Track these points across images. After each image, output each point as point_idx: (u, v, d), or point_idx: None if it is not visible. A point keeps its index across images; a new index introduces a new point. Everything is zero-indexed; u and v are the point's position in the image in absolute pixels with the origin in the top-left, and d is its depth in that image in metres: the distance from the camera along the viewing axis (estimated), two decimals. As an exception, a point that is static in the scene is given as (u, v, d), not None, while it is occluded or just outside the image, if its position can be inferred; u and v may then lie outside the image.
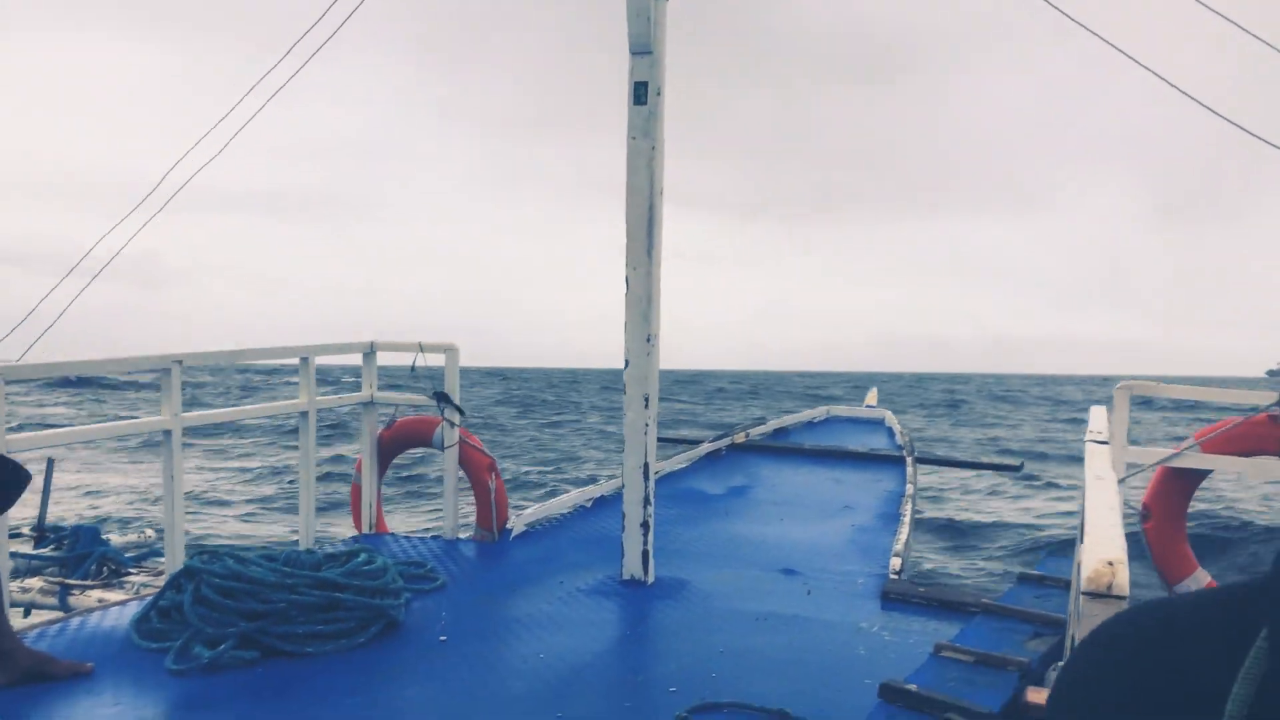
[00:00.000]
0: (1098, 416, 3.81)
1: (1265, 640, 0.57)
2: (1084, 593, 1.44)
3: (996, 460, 10.34)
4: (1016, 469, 9.91)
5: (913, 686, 3.76)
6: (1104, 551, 1.51)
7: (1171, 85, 5.14)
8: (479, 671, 4.13)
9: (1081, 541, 3.01)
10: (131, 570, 6.70)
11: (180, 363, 5.13)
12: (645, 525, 5.41)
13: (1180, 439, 5.43)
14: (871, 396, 12.97)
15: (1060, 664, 3.96)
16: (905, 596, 5.22)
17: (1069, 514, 12.96)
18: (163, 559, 6.87)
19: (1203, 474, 5.29)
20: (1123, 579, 1.44)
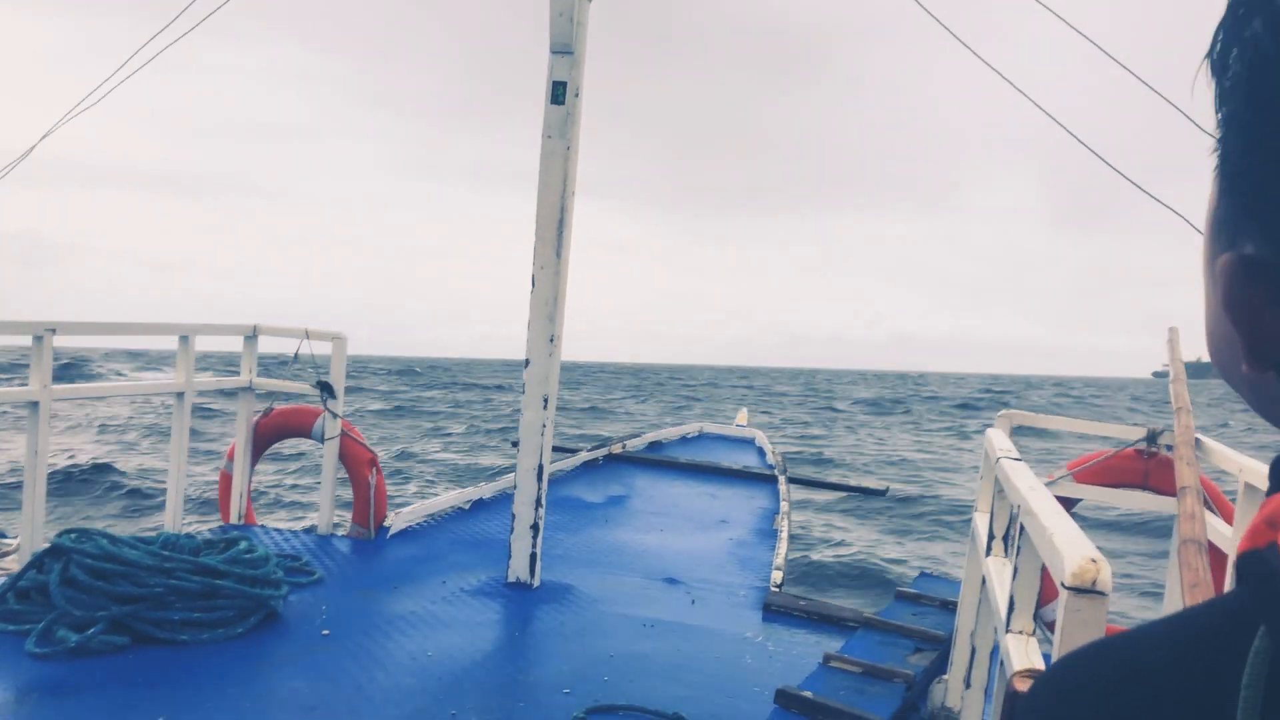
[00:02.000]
0: (999, 438, 3.94)
1: (1263, 639, 0.51)
2: (1069, 588, 1.48)
3: (864, 484, 10.61)
4: (882, 493, 10.20)
5: (808, 693, 3.81)
6: (1083, 550, 1.55)
7: (1044, 110, 5.41)
8: (367, 667, 4.00)
9: (989, 554, 3.10)
10: (-28, 551, 6.25)
11: (54, 331, 4.83)
12: (535, 528, 5.35)
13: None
14: (742, 416, 13.18)
15: (943, 679, 4.08)
16: (787, 609, 5.29)
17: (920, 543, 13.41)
18: (9, 540, 6.45)
19: (1073, 502, 5.54)
20: (1106, 575, 1.49)
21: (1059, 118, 5.40)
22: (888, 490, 10.12)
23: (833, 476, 14.25)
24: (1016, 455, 2.98)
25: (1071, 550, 1.55)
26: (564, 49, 5.17)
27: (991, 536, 3.07)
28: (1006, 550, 2.90)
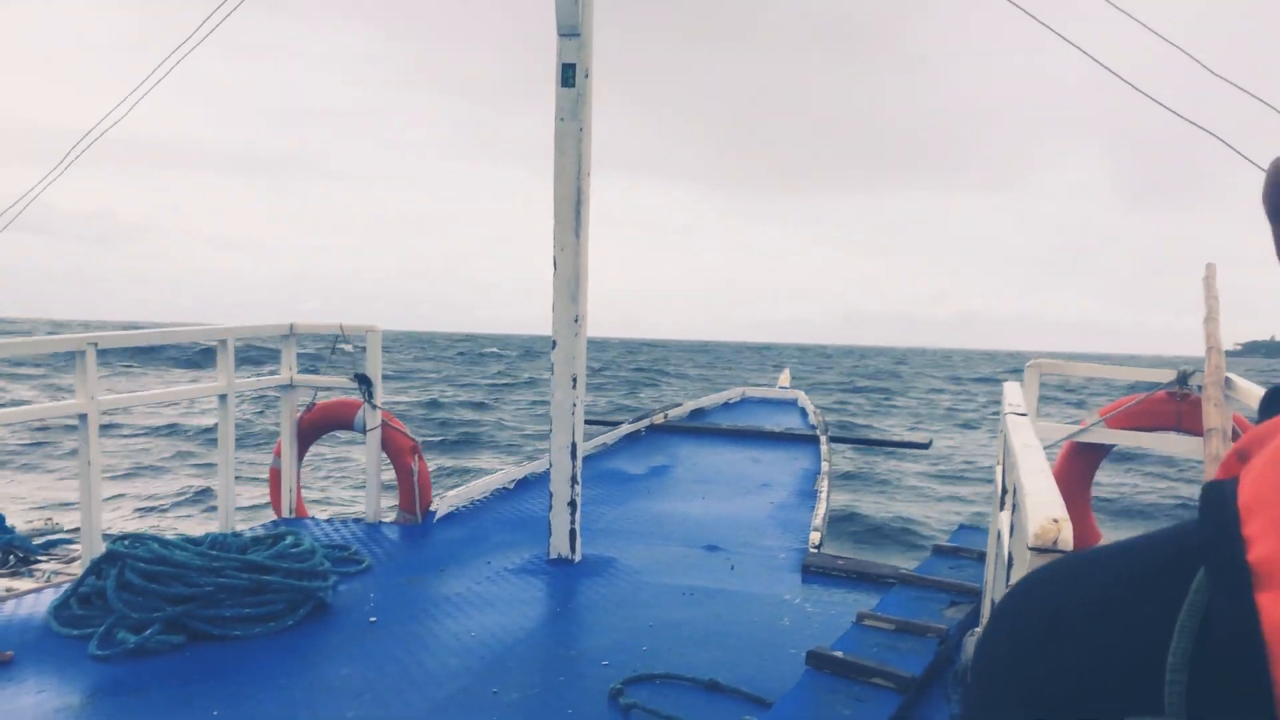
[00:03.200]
0: (1013, 391, 3.97)
1: (1202, 581, 0.51)
2: (1031, 549, 1.54)
3: (908, 439, 10.62)
4: (925, 446, 10.20)
5: (839, 653, 3.88)
6: (1048, 510, 1.60)
7: (1116, 74, 5.35)
8: (413, 650, 4.13)
9: (1002, 509, 3.15)
10: (40, 558, 6.51)
11: (95, 345, 5.00)
12: (572, 504, 5.45)
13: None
14: (784, 378, 13.21)
15: (975, 631, 4.13)
16: (825, 569, 5.36)
17: (969, 493, 13.38)
18: (73, 545, 6.70)
19: (1106, 448, 5.53)
20: (1067, 535, 1.54)
21: (1131, 86, 5.27)
22: (930, 443, 10.12)
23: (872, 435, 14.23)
24: (1023, 410, 3.01)
25: (1037, 511, 1.60)
26: (571, 31, 5.21)
27: (1004, 490, 3.12)
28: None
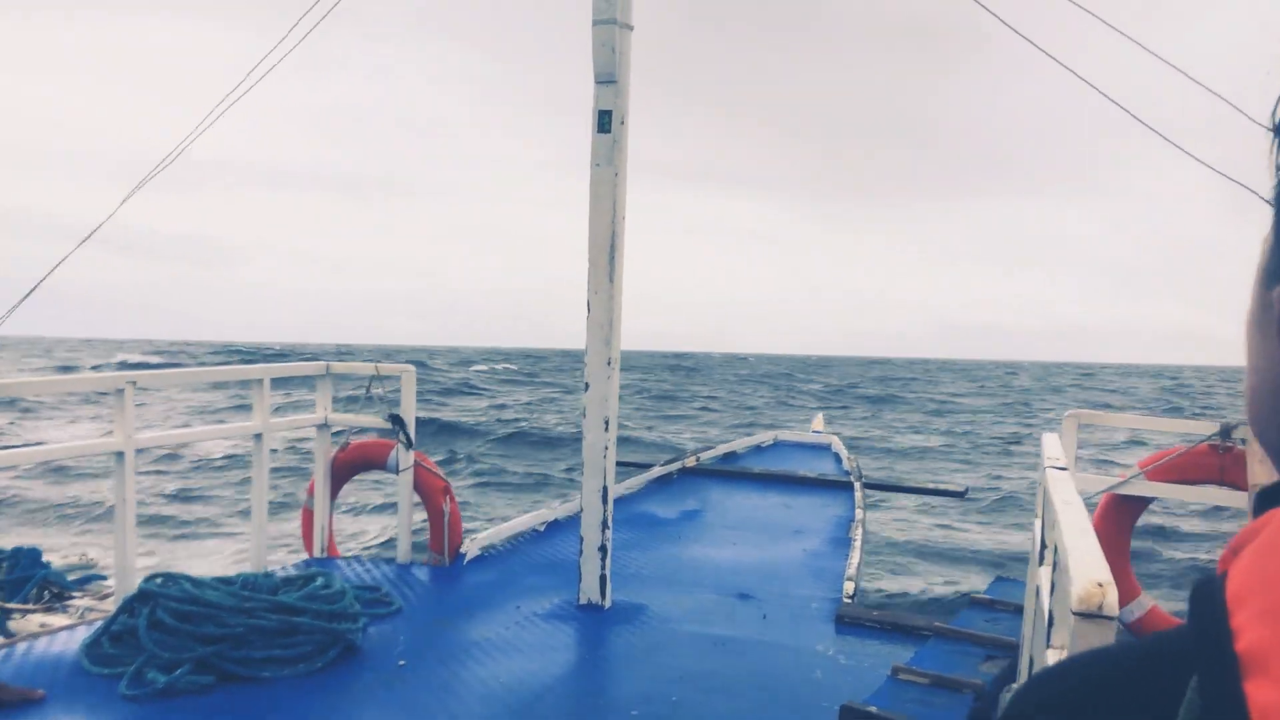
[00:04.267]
0: (1051, 444, 3.91)
1: (1195, 690, 0.53)
2: (1075, 613, 1.50)
3: (942, 486, 10.49)
4: (961, 494, 10.08)
5: (872, 708, 3.82)
6: (1092, 573, 1.57)
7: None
8: (440, 696, 4.11)
9: (1041, 565, 3.09)
10: (74, 594, 6.54)
11: (134, 384, 5.06)
12: (603, 549, 5.42)
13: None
14: (818, 422, 13.12)
15: (1012, 687, 4.05)
16: (859, 620, 5.29)
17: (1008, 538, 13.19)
18: (106, 581, 6.73)
19: (1146, 501, 5.44)
20: (1112, 600, 1.50)
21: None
22: (966, 492, 10.00)
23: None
24: (1063, 464, 2.97)
25: (1081, 574, 1.57)
26: (608, 79, 5.26)
27: (1043, 545, 3.06)
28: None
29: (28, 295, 4.95)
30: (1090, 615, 1.48)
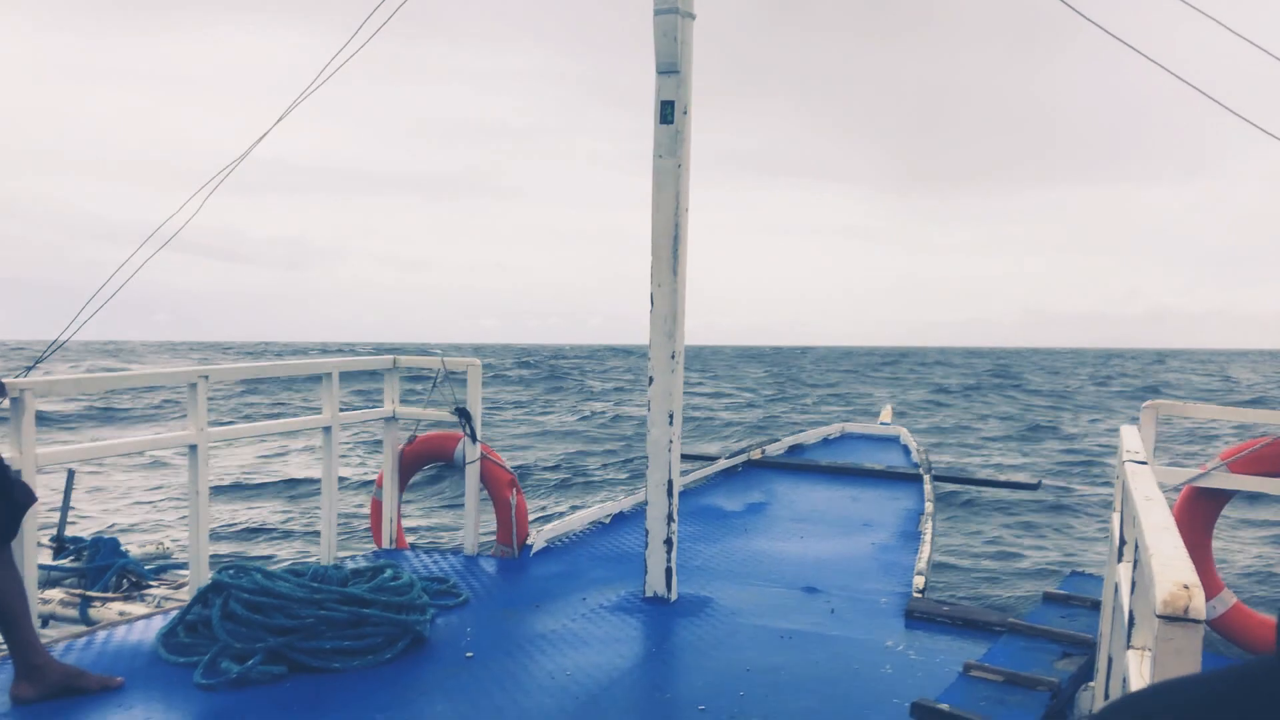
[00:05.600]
0: (1130, 436, 3.79)
1: None
2: (1160, 616, 1.44)
3: (1015, 479, 10.30)
4: (1034, 487, 9.89)
5: (945, 706, 3.75)
6: (1177, 574, 1.50)
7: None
8: (507, 688, 4.12)
9: (1120, 561, 3.00)
10: (152, 583, 6.69)
11: (206, 378, 5.15)
12: (669, 542, 5.40)
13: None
14: (886, 413, 12.96)
15: (1090, 685, 3.94)
16: (930, 615, 5.20)
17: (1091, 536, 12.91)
18: (182, 571, 6.88)
19: (1229, 494, 5.26)
20: (1199, 603, 1.44)
21: None
22: (1040, 484, 9.80)
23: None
24: (1143, 458, 2.87)
25: (1164, 575, 1.50)
26: (670, 69, 5.21)
27: (1123, 541, 2.97)
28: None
29: (91, 302, 5.06)
30: (1175, 619, 1.42)
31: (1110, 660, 3.32)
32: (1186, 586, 1.44)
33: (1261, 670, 0.57)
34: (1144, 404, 5.15)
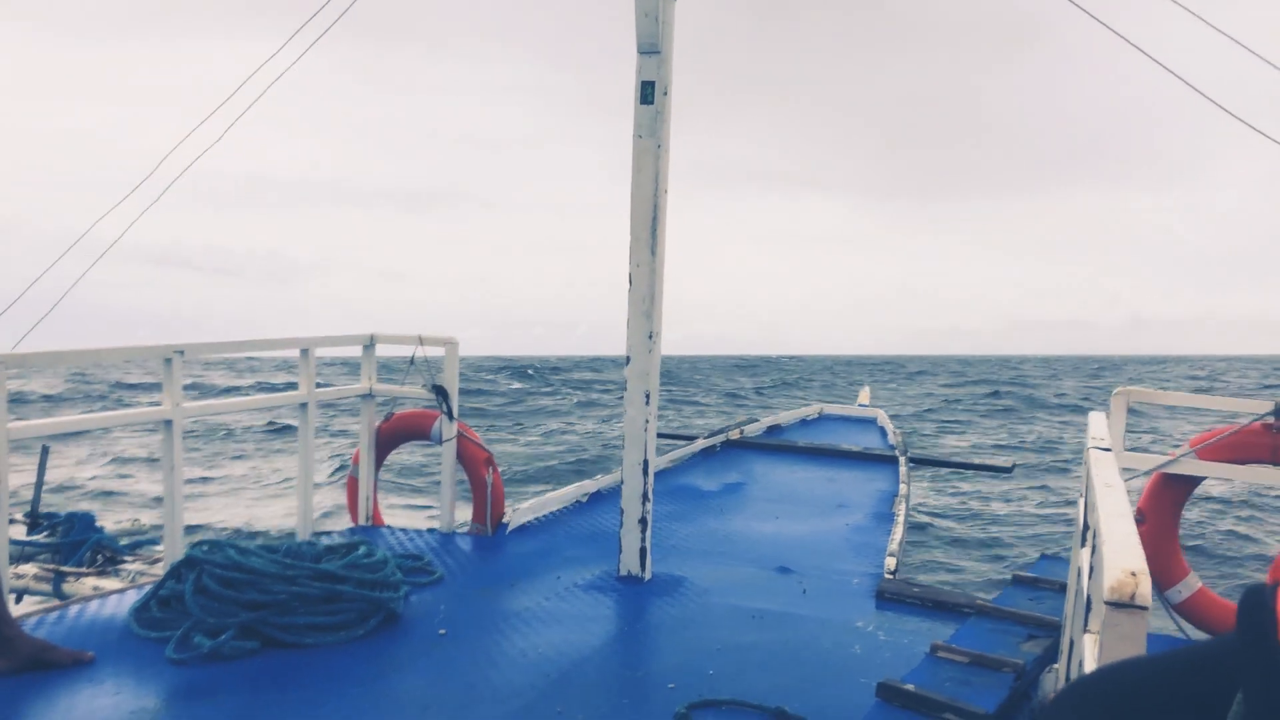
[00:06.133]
0: (1098, 422, 3.84)
1: (1240, 705, 0.54)
2: (1107, 602, 1.47)
3: (989, 461, 10.39)
4: (1008, 470, 9.97)
5: (910, 686, 3.80)
6: (1125, 561, 1.53)
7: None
8: (479, 665, 4.15)
9: (1083, 546, 3.04)
10: (126, 558, 6.69)
11: (182, 353, 5.13)
12: (644, 521, 5.43)
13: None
14: (864, 395, 13.04)
15: (1054, 667, 4.00)
16: (900, 596, 5.25)
17: (1059, 516, 13.04)
18: (157, 546, 6.87)
19: (1196, 480, 5.33)
20: (1145, 589, 1.47)
21: None
22: (1013, 468, 9.89)
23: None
24: (1107, 444, 2.91)
25: (1114, 561, 1.53)
26: (651, 49, 5.21)
27: (1086, 527, 3.01)
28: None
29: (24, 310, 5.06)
30: (1122, 605, 1.45)
31: (1071, 644, 3.37)
32: (1134, 573, 1.47)
33: (1215, 651, 0.59)
34: (1114, 390, 5.20)
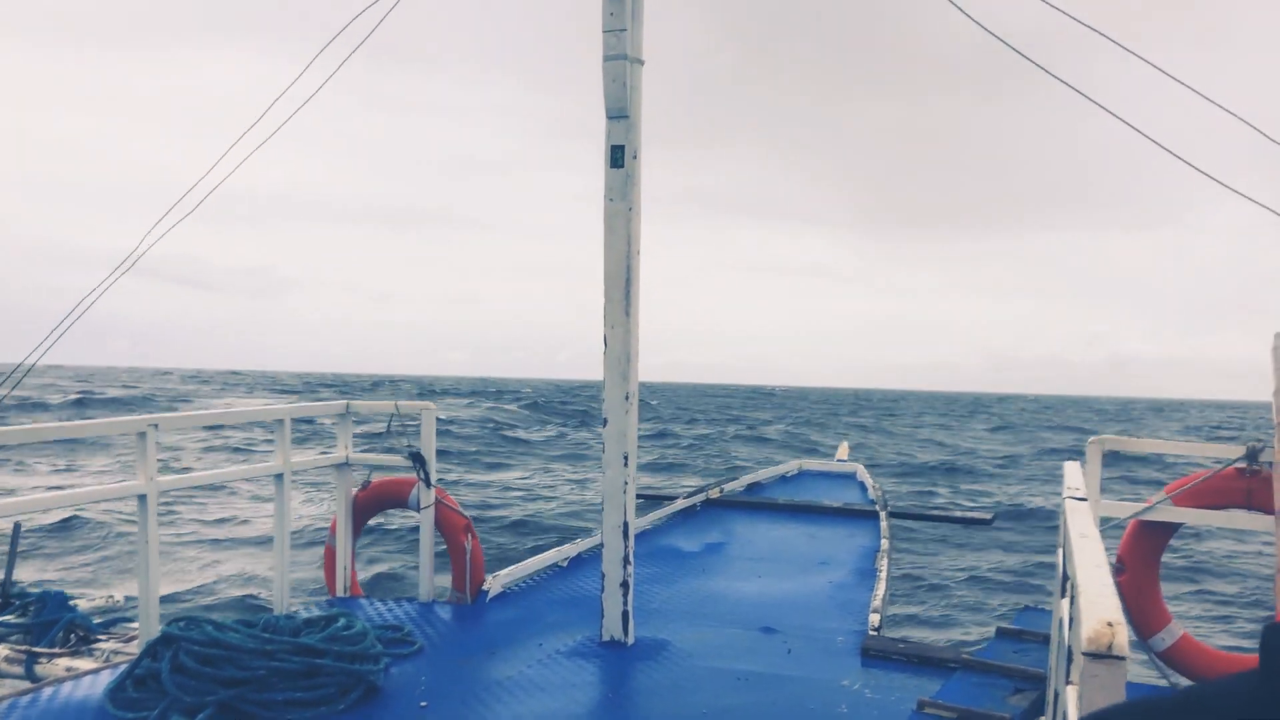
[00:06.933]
0: (1073, 472, 3.87)
1: None
2: (1085, 654, 1.48)
3: (969, 514, 10.40)
4: (988, 522, 9.98)
5: (898, 745, 3.77)
6: (1102, 612, 1.55)
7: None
8: None
9: (1063, 597, 3.05)
10: (101, 636, 6.56)
11: (156, 426, 5.10)
12: (625, 585, 5.40)
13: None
14: (843, 450, 13.04)
15: (1042, 719, 3.99)
16: (885, 653, 5.23)
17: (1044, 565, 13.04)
18: (132, 624, 6.75)
19: (1174, 527, 5.36)
20: (1122, 639, 1.48)
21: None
22: (994, 519, 9.90)
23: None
24: (1082, 494, 2.93)
25: (1090, 613, 1.55)
26: (620, 114, 5.29)
27: (1065, 577, 3.02)
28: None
29: (60, 326, 5.02)
30: (1100, 655, 1.46)
31: (1056, 695, 3.37)
32: (1110, 624, 1.49)
33: (1232, 689, 0.56)
34: (1089, 439, 5.24)
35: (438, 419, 6.45)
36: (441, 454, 6.85)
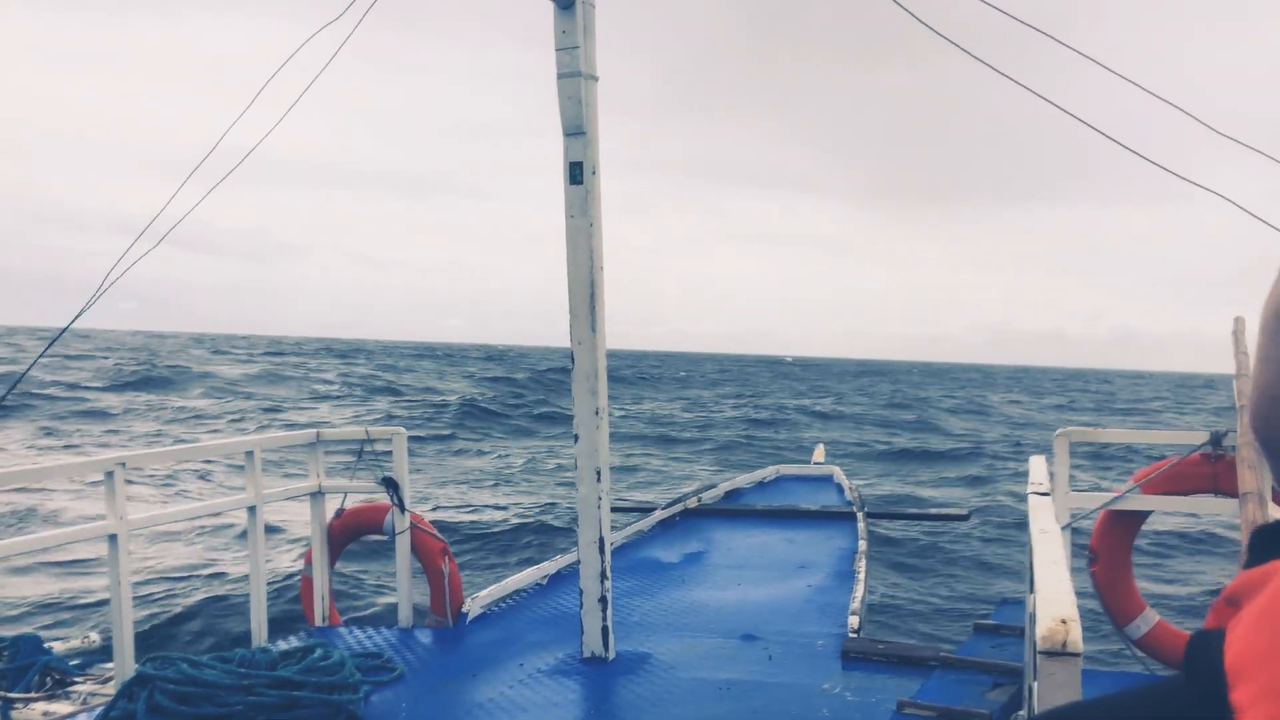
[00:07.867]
0: (1038, 467, 3.90)
1: None
2: (1040, 651, 1.50)
3: (946, 511, 10.46)
4: (964, 518, 10.05)
5: (879, 747, 3.79)
6: (1056, 609, 1.56)
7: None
8: None
9: (1031, 593, 3.07)
10: (77, 679, 6.48)
11: (124, 465, 5.06)
12: (604, 600, 5.39)
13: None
14: (819, 453, 13.09)
15: (1019, 714, 4.01)
16: (865, 655, 5.25)
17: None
18: (109, 665, 6.69)
19: (1144, 515, 5.42)
20: (1076, 636, 1.50)
21: None
22: (970, 515, 9.96)
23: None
24: (1045, 490, 2.96)
25: (1044, 610, 1.56)
26: (576, 130, 5.30)
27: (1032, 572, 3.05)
28: None
29: (102, 291, 4.98)
30: (1054, 653, 1.48)
31: (1031, 690, 3.39)
32: (1064, 621, 1.50)
33: (1160, 692, 0.56)
34: (1056, 432, 5.29)
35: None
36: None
